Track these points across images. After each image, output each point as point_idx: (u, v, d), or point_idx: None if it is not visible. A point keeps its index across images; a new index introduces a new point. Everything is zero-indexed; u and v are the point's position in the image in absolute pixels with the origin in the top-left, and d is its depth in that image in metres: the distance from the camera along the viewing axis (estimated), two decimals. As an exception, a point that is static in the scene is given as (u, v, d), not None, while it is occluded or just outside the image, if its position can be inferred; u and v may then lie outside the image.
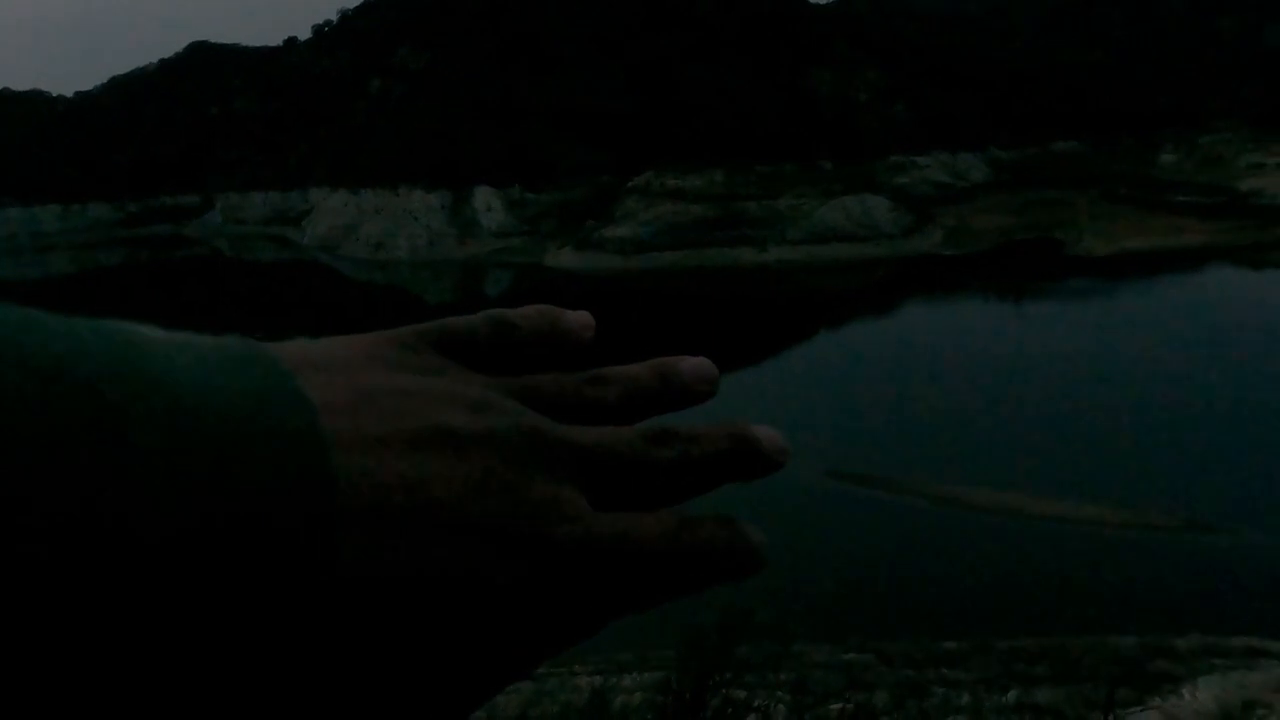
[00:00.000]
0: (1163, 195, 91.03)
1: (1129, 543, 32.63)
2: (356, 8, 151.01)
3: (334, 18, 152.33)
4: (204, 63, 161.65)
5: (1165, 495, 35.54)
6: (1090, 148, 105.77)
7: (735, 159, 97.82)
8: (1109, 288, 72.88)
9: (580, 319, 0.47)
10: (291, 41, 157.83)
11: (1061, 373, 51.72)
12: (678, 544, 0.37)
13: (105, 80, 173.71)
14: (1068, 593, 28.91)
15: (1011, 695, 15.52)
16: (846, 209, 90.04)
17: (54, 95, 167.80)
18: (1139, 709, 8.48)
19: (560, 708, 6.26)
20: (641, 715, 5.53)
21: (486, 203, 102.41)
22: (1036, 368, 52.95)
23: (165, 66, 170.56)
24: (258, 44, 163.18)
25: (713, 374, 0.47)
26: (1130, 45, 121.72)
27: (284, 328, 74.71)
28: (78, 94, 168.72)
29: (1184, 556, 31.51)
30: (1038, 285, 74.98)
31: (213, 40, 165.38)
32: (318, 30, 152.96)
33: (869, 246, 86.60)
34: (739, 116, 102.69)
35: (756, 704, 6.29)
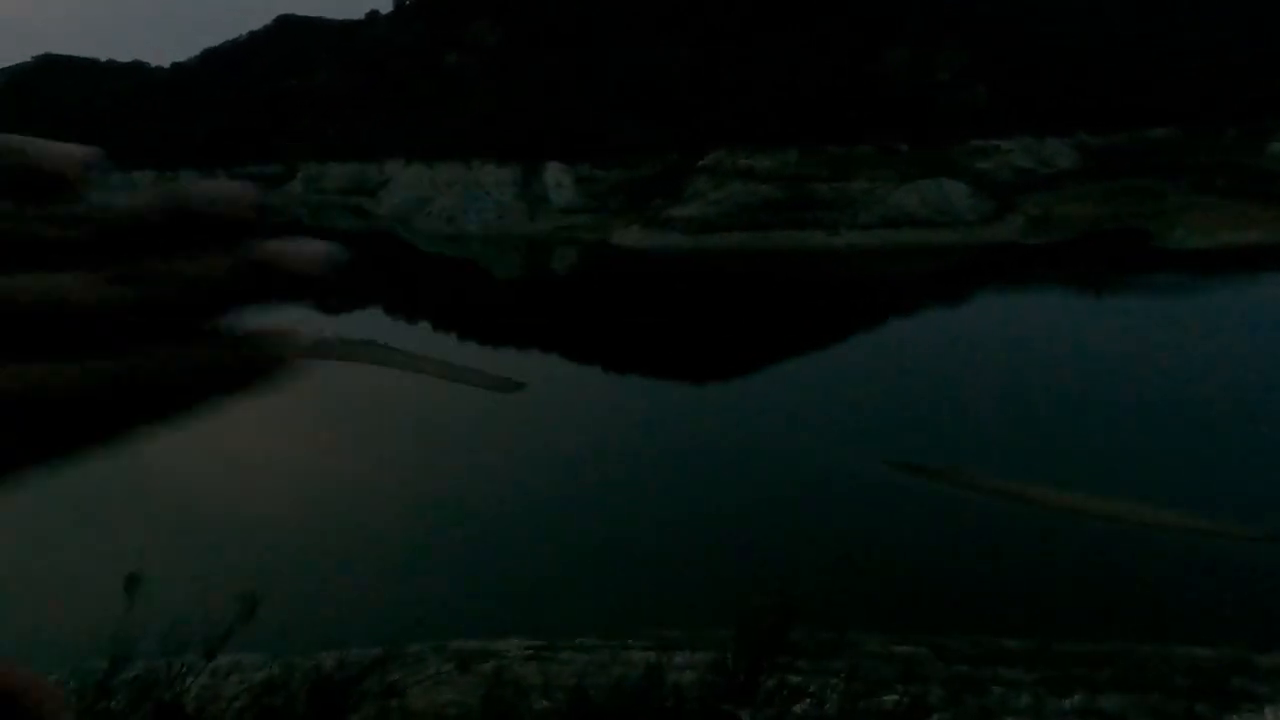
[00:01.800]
0: (1266, 186, 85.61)
1: (1206, 551, 31.20)
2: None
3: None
4: (290, 35, 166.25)
5: (1248, 504, 33.79)
6: (1188, 135, 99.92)
7: (808, 139, 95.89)
8: (1200, 283, 69.18)
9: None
10: (373, 15, 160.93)
11: (1143, 371, 49.50)
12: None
13: (199, 52, 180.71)
14: (1137, 599, 27.86)
15: (1072, 700, 15.08)
16: (922, 193, 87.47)
17: (152, 66, 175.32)
18: (1211, 723, 8.09)
19: (613, 680, 6.38)
20: (694, 693, 5.59)
21: (556, 179, 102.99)
22: (1116, 364, 50.78)
23: (254, 39, 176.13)
24: (342, 17, 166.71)
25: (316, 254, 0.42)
26: (1236, 25, 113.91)
27: (362, 297, 76.94)
28: (174, 65, 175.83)
29: (1267, 569, 29.99)
30: (1122, 278, 71.70)
31: (299, 13, 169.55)
32: (398, 3, 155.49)
33: (945, 233, 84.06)
34: (813, 96, 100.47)
35: (811, 690, 6.29)
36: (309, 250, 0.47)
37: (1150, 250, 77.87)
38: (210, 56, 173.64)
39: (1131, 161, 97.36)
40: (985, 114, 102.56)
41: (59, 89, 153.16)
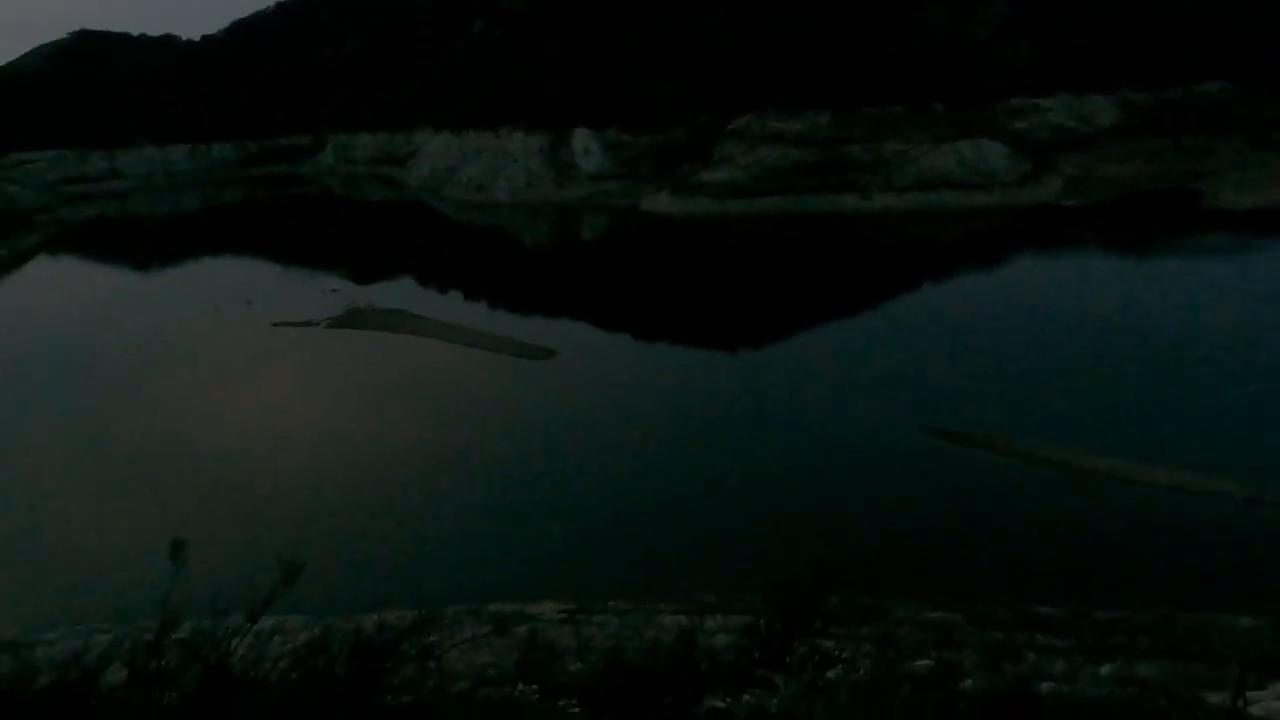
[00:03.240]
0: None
1: (1246, 517, 30.55)
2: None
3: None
4: (318, 5, 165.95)
5: (1297, 470, 32.93)
6: (1239, 90, 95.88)
7: (841, 101, 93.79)
8: (1251, 244, 66.90)
9: None
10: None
11: (1188, 335, 48.20)
12: None
13: (227, 24, 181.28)
14: (1180, 566, 27.44)
15: (1108, 668, 14.93)
16: (959, 155, 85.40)
17: (183, 40, 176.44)
18: (1259, 692, 7.93)
19: (647, 644, 6.43)
20: (727, 657, 5.61)
21: (584, 145, 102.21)
22: (1159, 328, 49.51)
23: (282, 9, 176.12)
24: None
25: None
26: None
27: (392, 266, 77.54)
28: (204, 38, 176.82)
29: (1314, 536, 29.27)
30: (1167, 240, 69.60)
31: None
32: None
33: (981, 195, 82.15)
34: (845, 56, 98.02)
35: (843, 655, 6.28)
36: None
37: (1199, 211, 75.37)
38: (238, 28, 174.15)
39: (1178, 118, 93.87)
40: (1025, 71, 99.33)
41: (95, 64, 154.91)
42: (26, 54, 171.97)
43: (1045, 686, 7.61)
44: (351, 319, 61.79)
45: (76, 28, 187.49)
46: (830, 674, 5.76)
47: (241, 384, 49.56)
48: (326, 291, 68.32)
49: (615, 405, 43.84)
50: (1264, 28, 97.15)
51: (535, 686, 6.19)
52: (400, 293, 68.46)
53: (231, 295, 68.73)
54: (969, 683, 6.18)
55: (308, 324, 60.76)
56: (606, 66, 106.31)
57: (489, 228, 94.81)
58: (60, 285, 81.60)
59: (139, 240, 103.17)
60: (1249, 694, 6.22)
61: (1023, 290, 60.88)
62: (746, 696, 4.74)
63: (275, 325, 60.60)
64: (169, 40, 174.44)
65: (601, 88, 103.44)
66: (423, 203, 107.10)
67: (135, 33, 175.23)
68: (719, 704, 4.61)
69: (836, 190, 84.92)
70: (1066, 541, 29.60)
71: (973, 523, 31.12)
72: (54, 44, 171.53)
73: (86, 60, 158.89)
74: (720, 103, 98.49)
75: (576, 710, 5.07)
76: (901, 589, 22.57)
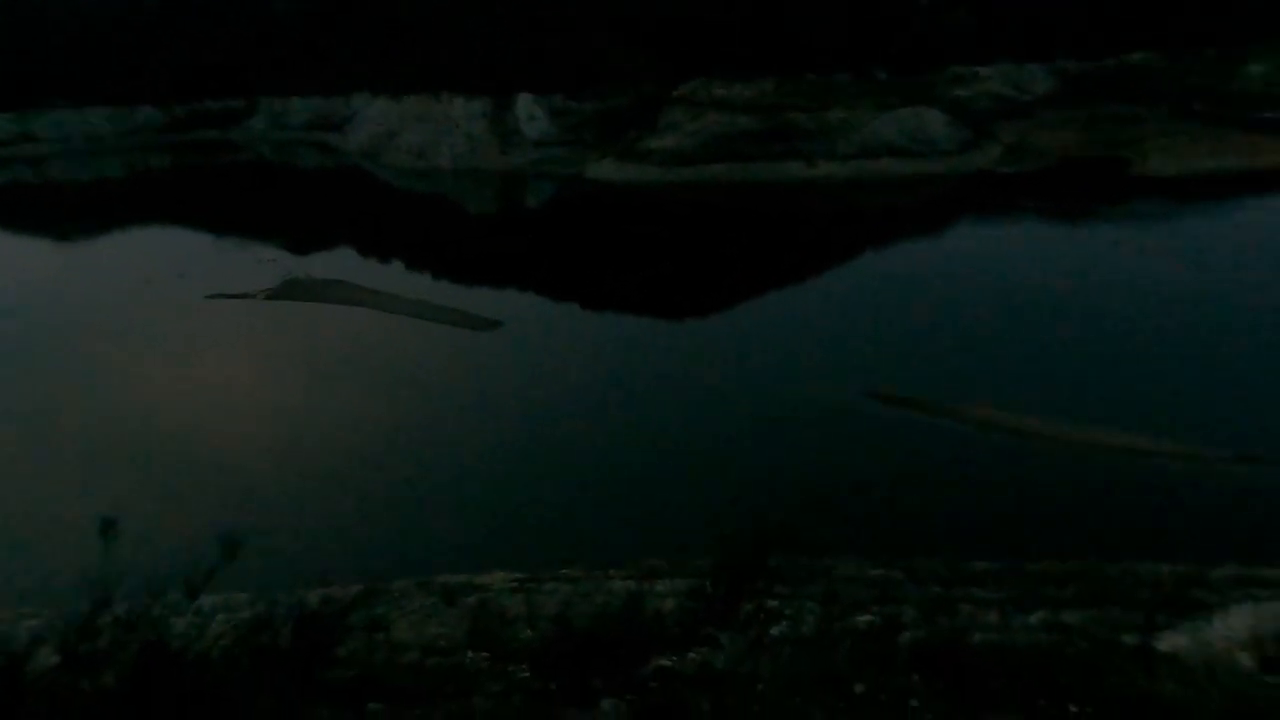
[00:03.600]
0: (1241, 112, 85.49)
1: (1171, 472, 32.19)
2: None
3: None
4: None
5: (1216, 427, 34.76)
6: (1167, 60, 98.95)
7: (786, 67, 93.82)
8: (1173, 210, 69.58)
9: None
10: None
11: (1114, 298, 50.11)
12: None
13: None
14: (1102, 519, 28.82)
15: (1037, 616, 15.67)
16: (900, 122, 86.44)
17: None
18: (1169, 632, 8.51)
19: (596, 609, 6.51)
20: (675, 619, 5.72)
21: (528, 111, 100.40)
22: (1088, 292, 51.34)
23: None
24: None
25: None
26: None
27: (331, 235, 75.44)
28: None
29: (1230, 487, 31.04)
30: (1097, 207, 71.90)
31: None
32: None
33: (923, 162, 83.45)
34: (790, 21, 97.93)
35: (788, 612, 6.46)
36: None
37: (1126, 178, 77.94)
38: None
39: (1109, 87, 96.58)
40: (965, 40, 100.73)
41: (13, 21, 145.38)
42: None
43: (978, 637, 7.96)
44: (289, 290, 60.07)
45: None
46: (775, 630, 5.93)
47: (176, 358, 47.93)
48: (262, 262, 66.17)
49: (562, 375, 43.75)
50: (1188, 1, 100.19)
51: (485, 654, 6.22)
52: (339, 263, 66.74)
53: (162, 266, 66.09)
54: (907, 635, 6.43)
55: (244, 296, 58.88)
56: (550, 31, 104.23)
57: (431, 195, 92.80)
58: (-26, 257, 77.35)
59: (59, 209, 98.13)
60: (1163, 632, 6.68)
61: (964, 257, 62.35)
62: (693, 655, 4.85)
63: (209, 298, 58.57)
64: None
65: (545, 53, 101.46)
66: (361, 169, 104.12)
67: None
68: (666, 663, 4.71)
69: (782, 158, 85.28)
70: (1001, 499, 30.79)
71: (913, 483, 32.11)
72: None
73: (6, 16, 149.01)
74: (666, 69, 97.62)
75: (527, 675, 5.12)
76: (845, 548, 23.24)
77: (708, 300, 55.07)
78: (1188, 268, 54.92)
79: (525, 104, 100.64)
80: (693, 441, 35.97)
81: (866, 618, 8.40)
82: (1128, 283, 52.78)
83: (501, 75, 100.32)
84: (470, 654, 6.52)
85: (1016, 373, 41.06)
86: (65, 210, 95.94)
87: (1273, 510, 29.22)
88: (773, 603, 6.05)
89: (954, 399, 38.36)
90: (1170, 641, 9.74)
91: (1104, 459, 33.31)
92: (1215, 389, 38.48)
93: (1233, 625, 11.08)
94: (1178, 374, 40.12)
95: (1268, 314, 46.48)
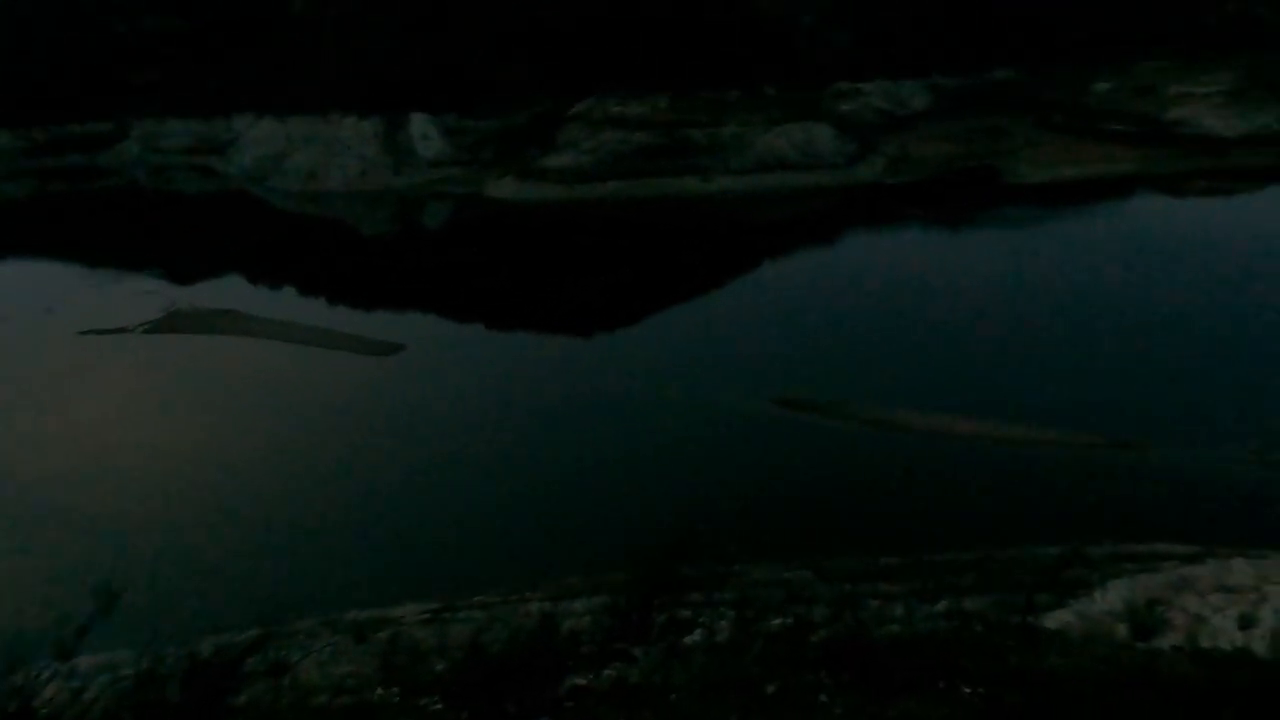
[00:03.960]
0: (1095, 123, 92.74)
1: (1055, 459, 34.36)
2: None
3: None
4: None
5: (1091, 414, 37.35)
6: (1028, 75, 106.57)
7: (679, 84, 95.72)
8: (1041, 215, 74.64)
9: None
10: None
11: (993, 299, 53.24)
12: None
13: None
14: (996, 509, 30.46)
15: (941, 604, 16.39)
16: (790, 137, 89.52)
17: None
18: (1056, 610, 9.13)
19: (510, 632, 6.41)
20: (590, 636, 5.69)
21: (422, 130, 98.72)
22: (969, 294, 54.36)
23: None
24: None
25: None
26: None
27: (217, 263, 71.83)
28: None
29: (1106, 471, 33.38)
30: (974, 213, 76.36)
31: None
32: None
33: (813, 175, 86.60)
34: (682, 39, 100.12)
35: (701, 620, 6.53)
36: None
37: (999, 186, 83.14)
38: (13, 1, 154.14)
39: (979, 101, 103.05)
40: (847, 57, 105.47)
41: None
42: None
43: (885, 630, 8.24)
44: (172, 323, 56.81)
45: None
46: (689, 640, 5.98)
47: (46, 401, 44.45)
48: (142, 294, 62.34)
49: (469, 396, 42.99)
50: (1049, 20, 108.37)
51: (396, 690, 6.01)
52: (228, 292, 63.62)
53: (26, 301, 61.30)
54: (818, 634, 6.59)
55: (121, 331, 55.30)
56: (442, 48, 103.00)
57: (323, 219, 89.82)
58: None
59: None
60: (1051, 611, 7.16)
61: (857, 265, 64.97)
62: (608, 671, 4.83)
63: (82, 334, 54.71)
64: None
65: (438, 71, 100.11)
66: (248, 194, 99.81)
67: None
68: (581, 681, 4.67)
69: (679, 173, 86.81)
70: (903, 494, 32.11)
71: (820, 484, 33.09)
72: None
73: None
74: (560, 87, 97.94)
75: (439, 707, 4.98)
76: (759, 552, 23.68)
77: (614, 316, 55.34)
78: (1058, 268, 58.95)
79: (419, 123, 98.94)
80: (606, 456, 35.96)
81: (781, 620, 8.58)
82: (1005, 284, 56.18)
83: (393, 94, 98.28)
84: (380, 690, 6.30)
85: (911, 373, 43.00)
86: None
87: (1142, 490, 31.60)
88: (686, 613, 6.11)
89: (855, 401, 39.80)
90: (1058, 618, 10.41)
91: (992, 450, 35.24)
92: (1088, 380, 41.38)
93: (1110, 600, 11.96)
94: (1056, 367, 42.93)
95: (1132, 307, 50.40)
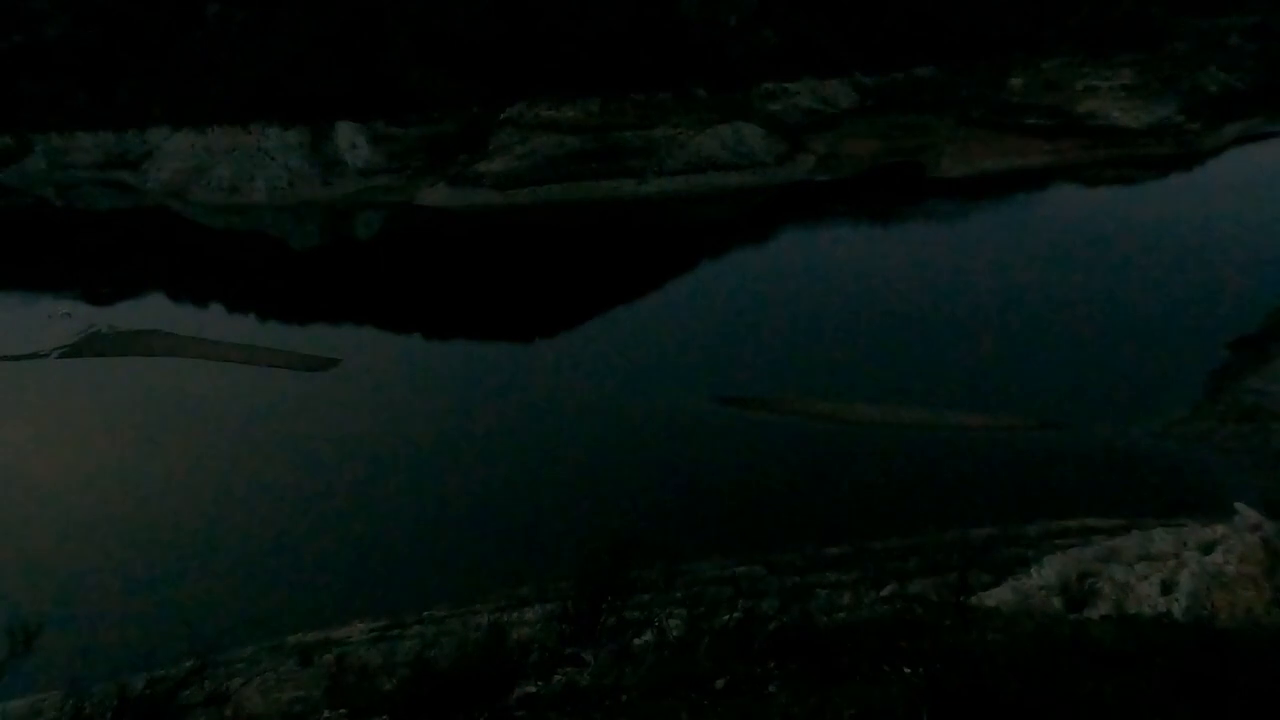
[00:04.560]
0: (1012, 118, 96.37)
1: (988, 443, 35.53)
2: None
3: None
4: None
5: (1021, 399, 38.76)
6: (947, 73, 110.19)
7: (609, 87, 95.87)
8: (965, 208, 77.15)
9: None
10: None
11: (921, 291, 54.79)
12: None
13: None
14: (934, 494, 31.33)
15: (886, 590, 16.83)
16: (722, 138, 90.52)
17: None
18: (994, 588, 9.48)
19: (459, 645, 6.32)
20: (540, 644, 5.65)
21: (349, 139, 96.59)
22: (898, 288, 55.83)
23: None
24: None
25: None
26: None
27: (137, 283, 68.91)
28: None
29: (1036, 452, 34.67)
30: (902, 208, 78.47)
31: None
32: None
33: (746, 175, 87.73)
34: (609, 42, 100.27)
35: (653, 620, 6.55)
36: None
37: (924, 180, 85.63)
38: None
39: (902, 99, 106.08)
40: (773, 57, 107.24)
41: None
42: None
43: (833, 618, 8.41)
44: (91, 345, 54.28)
45: None
46: (639, 640, 5.99)
47: (-48, 434, 41.97)
48: (56, 317, 59.40)
49: (408, 407, 42.23)
50: (965, 19, 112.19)
51: (344, 711, 5.88)
52: (151, 311, 61.13)
53: (-74, 331, 57.77)
54: (770, 626, 6.69)
55: (34, 356, 52.61)
56: (366, 53, 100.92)
57: (249, 233, 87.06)
58: None
59: None
60: (989, 590, 7.44)
61: (791, 263, 66.04)
62: (558, 676, 4.81)
63: (-9, 361, 51.86)
64: None
65: (363, 78, 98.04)
66: (167, 209, 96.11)
67: None
68: (531, 689, 4.64)
69: (613, 176, 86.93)
70: (847, 484, 32.76)
71: (766, 479, 33.51)
72: None
73: None
74: (490, 92, 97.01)
75: (387, 726, 4.88)
76: (707, 549, 23.88)
77: (553, 321, 55.06)
78: (982, 259, 60.99)
79: (346, 132, 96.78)
80: (549, 461, 35.74)
81: (728, 615, 8.66)
82: (932, 277, 57.86)
83: (317, 103, 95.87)
84: (327, 713, 6.15)
85: (845, 366, 43.91)
86: None
87: (1070, 469, 32.92)
88: (635, 613, 6.12)
89: (794, 395, 40.45)
90: (996, 596, 10.80)
91: (929, 437, 36.25)
92: (1012, 365, 42.93)
93: (1045, 575, 12.48)
94: (983, 353, 44.41)
95: (1050, 294, 52.47)
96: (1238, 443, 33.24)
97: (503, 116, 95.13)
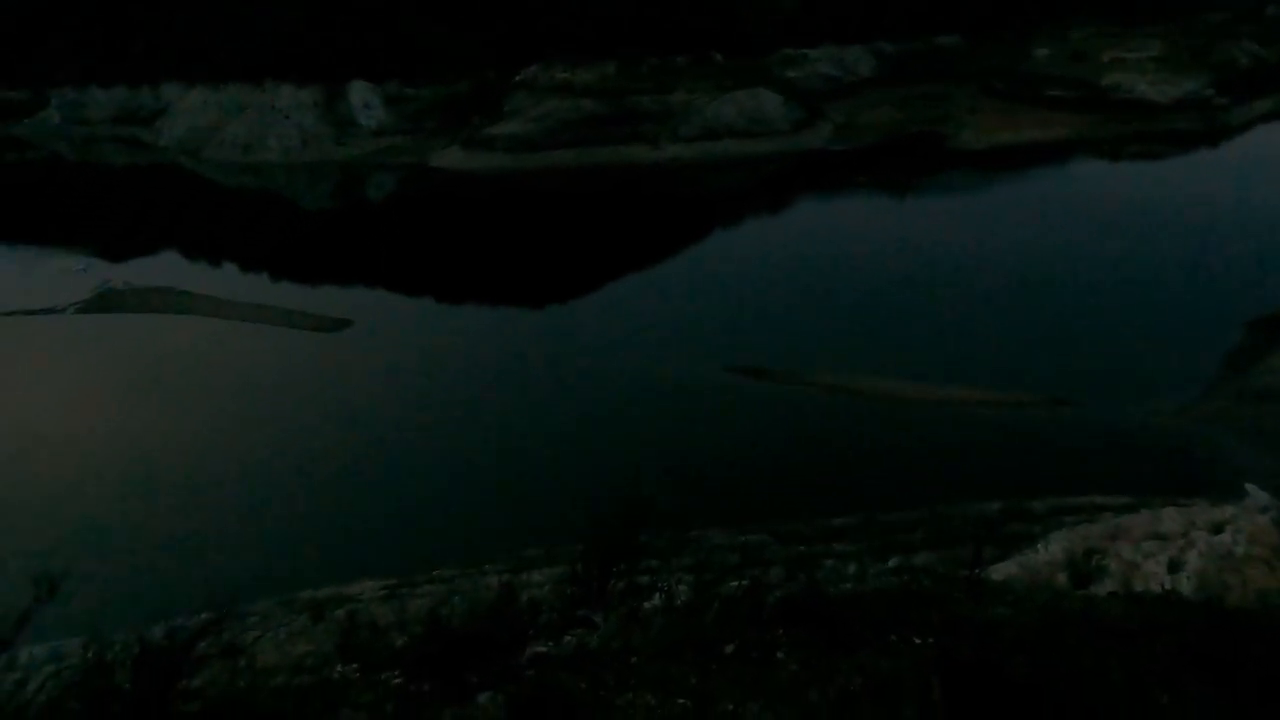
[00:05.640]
0: (1034, 89, 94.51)
1: (998, 419, 35.45)
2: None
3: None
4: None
5: (1031, 375, 38.56)
6: (970, 42, 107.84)
7: (625, 51, 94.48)
8: (984, 180, 76.07)
9: None
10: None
11: (938, 264, 54.28)
12: None
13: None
14: (943, 467, 31.35)
15: (892, 561, 16.93)
16: (739, 104, 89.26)
17: None
18: (1001, 563, 9.51)
19: (470, 604, 6.42)
20: (550, 605, 5.73)
21: (363, 99, 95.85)
22: (914, 260, 55.32)
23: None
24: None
25: None
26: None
27: (152, 240, 69.10)
28: None
29: (1046, 429, 34.57)
30: (920, 179, 77.45)
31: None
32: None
33: (762, 142, 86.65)
34: (627, 5, 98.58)
35: (661, 585, 6.62)
36: None
37: (944, 151, 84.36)
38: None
39: (923, 67, 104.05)
40: (793, 23, 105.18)
41: None
42: None
43: (840, 588, 8.47)
44: (105, 302, 54.66)
45: None
46: (648, 604, 6.06)
47: (-30, 386, 42.54)
48: (71, 272, 59.75)
49: (420, 371, 42.44)
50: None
51: (355, 666, 5.98)
52: (165, 269, 61.39)
53: (-56, 284, 58.26)
54: (777, 594, 6.74)
55: (50, 311, 53.05)
56: (382, 12, 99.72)
57: (263, 192, 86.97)
58: None
59: None
60: (997, 564, 7.45)
61: (807, 233, 65.48)
62: (568, 638, 4.87)
63: (6, 315, 52.35)
64: None
65: (378, 37, 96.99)
66: (180, 167, 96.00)
67: None
68: (542, 649, 4.71)
69: (627, 141, 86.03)
70: (856, 456, 32.82)
71: (775, 449, 33.61)
72: None
73: None
74: (505, 53, 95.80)
75: (399, 680, 4.97)
76: (715, 517, 24.04)
77: (565, 286, 54.96)
78: (1000, 233, 60.28)
79: (360, 91, 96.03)
80: (562, 426, 35.94)
81: (736, 582, 8.75)
82: (949, 250, 57.28)
83: (330, 62, 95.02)
84: (340, 668, 6.26)
85: (859, 338, 43.73)
86: None
87: (1080, 446, 32.83)
88: (644, 578, 6.18)
89: (804, 367, 40.38)
90: (1003, 570, 10.86)
91: (939, 411, 36.19)
92: (1030, 342, 42.64)
93: (1052, 551, 12.51)
94: (998, 328, 44.11)
95: (1070, 269, 51.90)
96: (1250, 423, 33.04)
97: (517, 79, 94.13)
